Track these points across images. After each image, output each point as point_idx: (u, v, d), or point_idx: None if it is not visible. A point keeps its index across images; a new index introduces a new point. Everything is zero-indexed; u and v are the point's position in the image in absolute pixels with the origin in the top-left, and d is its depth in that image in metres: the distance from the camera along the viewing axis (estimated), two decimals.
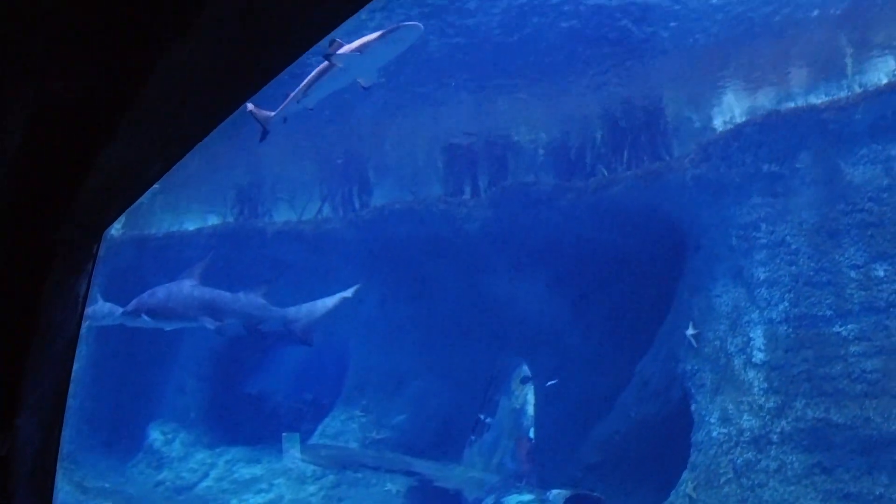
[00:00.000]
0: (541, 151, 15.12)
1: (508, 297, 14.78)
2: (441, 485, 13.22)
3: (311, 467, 14.13)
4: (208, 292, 11.63)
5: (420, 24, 9.65)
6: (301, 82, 10.40)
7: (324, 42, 8.77)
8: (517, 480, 12.74)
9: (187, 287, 11.58)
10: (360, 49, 9.63)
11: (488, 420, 13.72)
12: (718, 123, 13.83)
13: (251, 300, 11.77)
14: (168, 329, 12.31)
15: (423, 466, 13.61)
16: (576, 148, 14.47)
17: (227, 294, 11.75)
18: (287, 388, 17.50)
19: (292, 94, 10.56)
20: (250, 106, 10.63)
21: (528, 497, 12.05)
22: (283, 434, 14.46)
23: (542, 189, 14.64)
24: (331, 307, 12.79)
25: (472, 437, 13.72)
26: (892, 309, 11.81)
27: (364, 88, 10.52)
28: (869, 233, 12.22)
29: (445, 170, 15.78)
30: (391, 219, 15.63)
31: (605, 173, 14.20)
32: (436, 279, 15.42)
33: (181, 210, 17.57)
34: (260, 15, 1.49)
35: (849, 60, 12.01)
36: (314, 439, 15.00)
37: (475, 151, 15.12)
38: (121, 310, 11.59)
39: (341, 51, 9.66)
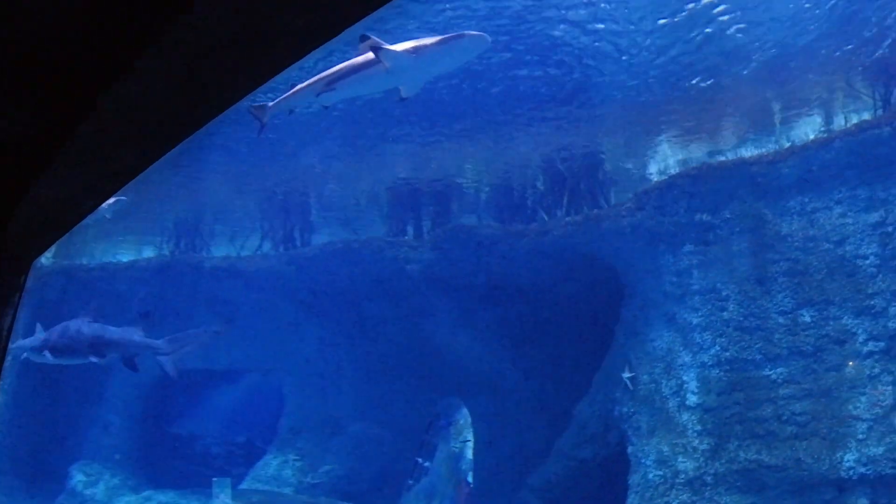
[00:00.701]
0: (483, 195, 15.36)
1: (449, 340, 14.83)
2: None
3: None
4: (97, 328, 12.13)
5: (487, 36, 8.52)
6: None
7: (355, 32, 7.65)
8: None
9: (80, 324, 12.12)
10: (414, 51, 8.24)
11: (426, 464, 13.70)
12: (654, 173, 14.31)
13: (129, 333, 12.26)
14: (66, 364, 12.92)
15: None
16: (518, 193, 14.76)
17: (112, 328, 12.21)
18: (218, 429, 17.08)
19: (306, 84, 9.17)
20: None
21: None
22: (214, 478, 14.08)
23: (484, 232, 14.84)
24: (199, 340, 13.05)
25: (411, 482, 13.65)
26: (818, 353, 12.26)
27: (400, 100, 9.15)
28: (796, 280, 12.71)
29: (389, 210, 15.87)
30: (332, 258, 15.59)
31: (546, 218, 14.50)
32: (376, 321, 15.39)
33: (115, 241, 17.19)
34: (207, 57, 1.52)
35: (777, 116, 12.63)
36: (246, 484, 14.66)
37: (419, 193, 15.27)
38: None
39: (390, 48, 8.20)
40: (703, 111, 13.09)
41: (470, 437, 13.24)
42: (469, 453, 13.13)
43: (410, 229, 15.70)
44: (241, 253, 16.85)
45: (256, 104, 9.78)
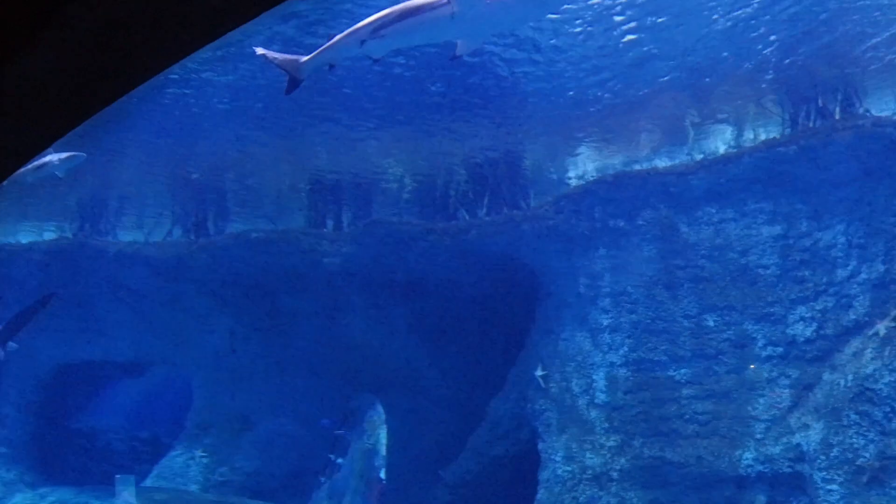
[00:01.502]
0: (406, 191, 15.34)
1: (365, 336, 14.73)
2: None
3: None
4: None
5: None
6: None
7: None
8: None
9: None
10: None
11: (339, 461, 13.59)
12: (573, 178, 14.73)
13: None
14: None
15: None
16: (440, 190, 14.84)
17: None
18: (122, 424, 16.31)
19: (348, 31, 7.90)
20: (261, 50, 8.60)
21: None
22: (116, 475, 13.44)
23: (404, 228, 14.84)
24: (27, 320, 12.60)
25: (322, 480, 13.50)
26: (720, 356, 12.96)
27: (454, 58, 8.11)
28: (701, 287, 13.38)
29: (309, 202, 15.57)
30: (247, 248, 15.14)
31: (467, 217, 14.66)
32: (291, 314, 15.09)
33: (14, 221, 16.06)
34: (117, 32, 1.45)
35: (691, 129, 13.27)
36: (150, 481, 14.06)
37: (341, 185, 15.08)
38: None
39: None
40: (620, 121, 13.56)
41: (384, 434, 13.22)
42: (382, 450, 13.11)
43: (330, 222, 15.47)
44: (150, 238, 16.08)
45: (288, 57, 8.42)
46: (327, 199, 15.52)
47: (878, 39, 11.10)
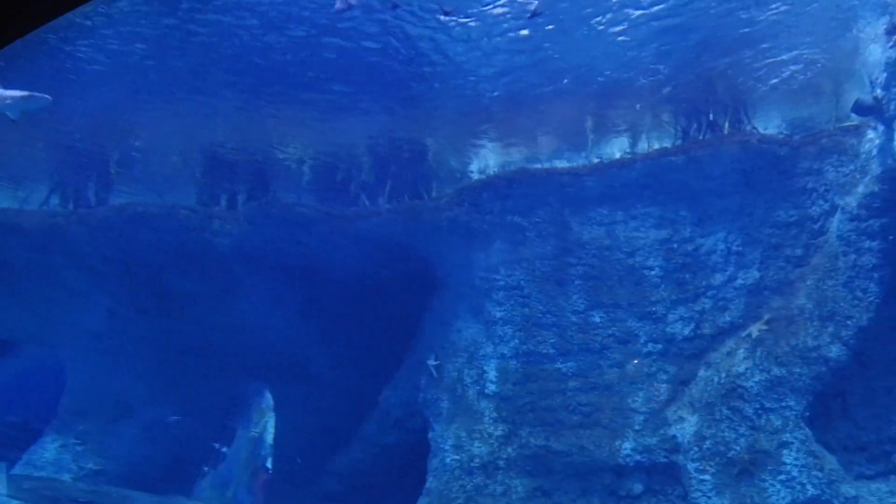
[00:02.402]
0: (306, 173, 14.99)
1: (256, 322, 14.33)
2: None
3: (15, 502, 12.36)
4: None
5: None
6: None
7: None
8: None
9: None
10: None
11: (224, 450, 13.20)
12: (475, 172, 14.94)
13: None
14: None
15: (146, 501, 12.61)
16: (342, 175, 14.61)
17: None
18: None
19: None
20: None
21: None
22: None
23: (301, 211, 14.52)
24: None
25: (206, 469, 13.08)
26: (604, 351, 13.54)
27: (530, 16, 7.39)
28: (590, 284, 13.91)
29: (202, 177, 14.89)
30: (131, 222, 14.31)
31: (367, 204, 14.54)
32: (177, 295, 14.44)
33: None
34: None
35: (590, 134, 13.77)
36: (19, 469, 13.12)
37: (237, 163, 14.53)
38: None
39: None
40: (524, 121, 13.89)
41: (271, 422, 12.95)
42: (269, 439, 12.85)
43: (223, 200, 14.89)
44: (25, 206, 14.88)
45: None
46: (221, 176, 14.92)
47: (769, 62, 11.95)
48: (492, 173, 14.71)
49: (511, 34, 12.05)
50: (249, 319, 14.71)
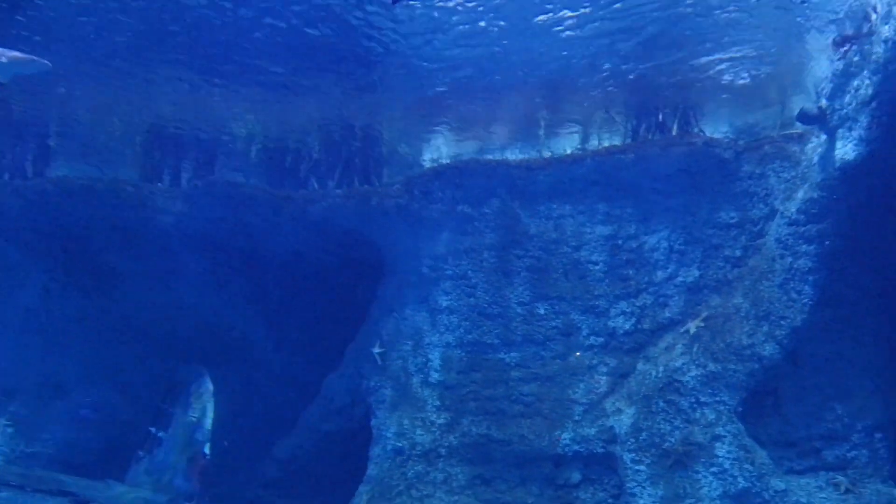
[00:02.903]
0: (254, 153, 14.71)
1: (198, 303, 14.03)
2: None
3: None
4: None
5: None
6: None
7: None
8: (187, 500, 12.20)
9: None
10: None
11: (161, 435, 12.90)
12: (426, 161, 14.92)
13: None
14: None
15: (79, 486, 12.27)
16: (291, 157, 14.39)
17: None
18: None
19: None
20: None
21: None
22: None
23: (249, 192, 14.25)
24: None
25: (141, 454, 12.77)
26: (548, 342, 13.73)
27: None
28: (536, 276, 14.06)
29: (145, 152, 14.45)
30: (69, 196, 13.81)
31: (317, 187, 14.36)
32: (116, 273, 14.02)
33: None
34: None
35: (543, 128, 13.91)
36: None
37: (183, 138, 14.13)
38: None
39: None
40: (478, 112, 13.94)
41: (210, 407, 12.69)
42: (208, 424, 12.58)
43: (167, 177, 14.49)
44: None
45: None
46: (166, 152, 14.51)
47: (720, 68, 12.27)
48: (444, 162, 14.71)
49: (466, 26, 12.06)
50: (190, 300, 14.39)
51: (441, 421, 13.65)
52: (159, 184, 14.45)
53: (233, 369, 13.94)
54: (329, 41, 12.36)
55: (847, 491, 11.39)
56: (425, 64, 12.92)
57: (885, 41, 9.97)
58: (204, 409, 12.86)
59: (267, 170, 14.90)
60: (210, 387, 12.98)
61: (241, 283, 14.50)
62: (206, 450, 12.59)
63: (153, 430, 12.86)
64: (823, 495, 11.38)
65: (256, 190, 14.33)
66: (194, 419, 12.83)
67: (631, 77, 13.04)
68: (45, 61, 9.23)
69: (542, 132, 14.08)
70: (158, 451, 12.75)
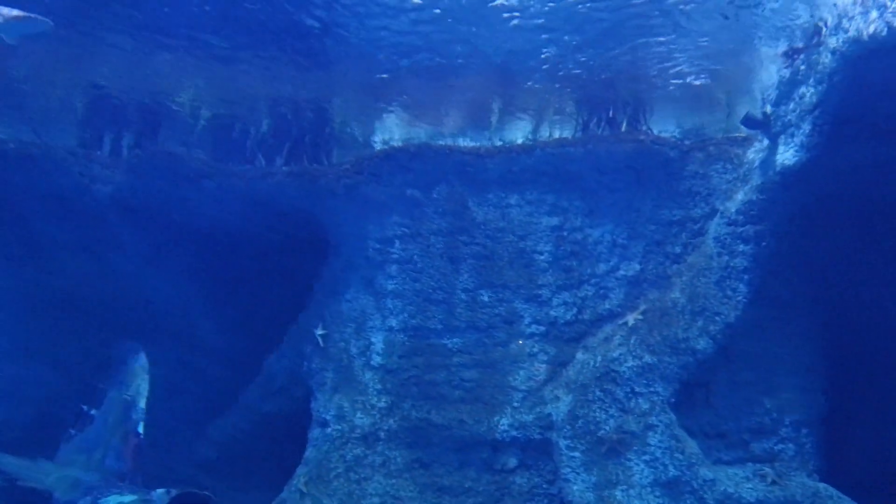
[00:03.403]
0: (200, 124, 14.31)
1: (136, 278, 13.64)
2: (28, 484, 11.72)
3: None
4: None
5: None
6: None
7: None
8: (119, 480, 11.95)
9: None
10: None
11: (92, 412, 12.54)
12: (378, 142, 14.81)
13: None
14: None
15: (6, 463, 11.89)
16: (239, 131, 14.07)
17: None
18: None
19: None
20: None
21: (129, 497, 11.42)
22: None
23: (191, 165, 13.85)
24: None
25: (72, 432, 12.41)
26: (490, 329, 13.87)
27: None
28: (481, 264, 14.17)
29: (84, 118, 13.89)
30: (2, 160, 13.18)
31: (263, 163, 14.11)
32: (49, 244, 13.50)
33: None
34: None
35: (495, 117, 13.97)
36: None
37: (125, 105, 13.64)
38: None
39: None
40: (431, 96, 13.90)
41: (145, 385, 12.38)
42: (142, 402, 12.29)
43: (107, 145, 13.98)
44: None
45: None
46: (106, 118, 13.98)
47: (667, 65, 12.53)
48: (395, 145, 14.63)
49: (423, 10, 12.00)
50: (127, 275, 13.99)
51: (381, 404, 13.68)
52: (98, 151, 13.94)
53: (169, 347, 13.65)
54: (267, 14, 12.06)
55: (773, 483, 11.92)
56: (381, 47, 12.81)
57: (833, 52, 10.35)
58: (139, 386, 12.55)
59: (212, 143, 14.54)
60: (146, 364, 12.65)
61: (181, 258, 14.16)
62: (140, 429, 12.31)
63: (85, 407, 12.49)
64: (750, 486, 11.89)
65: (200, 163, 13.96)
66: (128, 397, 12.52)
67: (579, 71, 13.20)
68: (47, 20, 8.77)
69: (494, 119, 14.14)
70: (90, 429, 12.41)
